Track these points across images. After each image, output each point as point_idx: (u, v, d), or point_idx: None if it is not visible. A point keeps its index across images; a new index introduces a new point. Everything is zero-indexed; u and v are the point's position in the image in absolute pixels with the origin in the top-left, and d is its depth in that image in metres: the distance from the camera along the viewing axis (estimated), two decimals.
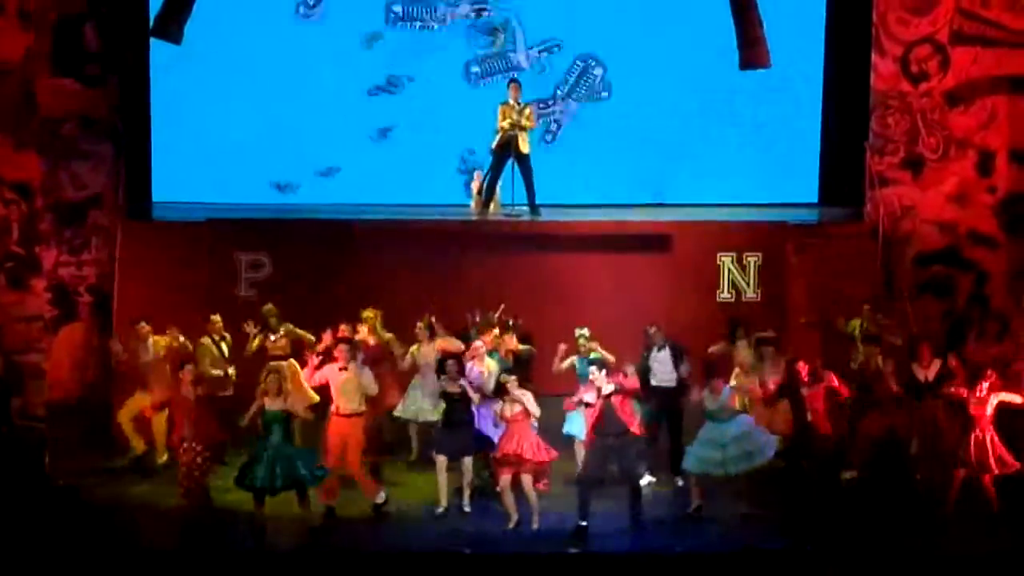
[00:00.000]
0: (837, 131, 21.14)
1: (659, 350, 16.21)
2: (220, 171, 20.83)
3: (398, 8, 21.21)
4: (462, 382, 15.20)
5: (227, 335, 16.83)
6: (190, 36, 17.92)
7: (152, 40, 19.08)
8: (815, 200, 21.45)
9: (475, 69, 21.39)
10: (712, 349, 16.68)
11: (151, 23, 18.51)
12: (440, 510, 15.17)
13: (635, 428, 14.90)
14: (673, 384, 16.10)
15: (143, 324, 16.53)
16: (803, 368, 15.41)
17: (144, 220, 19.60)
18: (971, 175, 20.23)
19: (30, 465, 14.98)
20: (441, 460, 15.27)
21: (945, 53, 20.24)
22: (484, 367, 15.74)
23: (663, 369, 16.14)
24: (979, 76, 20.17)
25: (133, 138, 19.99)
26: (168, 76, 20.45)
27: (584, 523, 14.55)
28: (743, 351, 16.66)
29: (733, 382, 15.63)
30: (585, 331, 16.18)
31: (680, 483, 15.83)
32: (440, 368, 15.47)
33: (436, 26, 21.31)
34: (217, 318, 16.90)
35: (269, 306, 17.15)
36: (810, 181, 21.46)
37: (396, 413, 16.61)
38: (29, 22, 15.55)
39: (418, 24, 21.27)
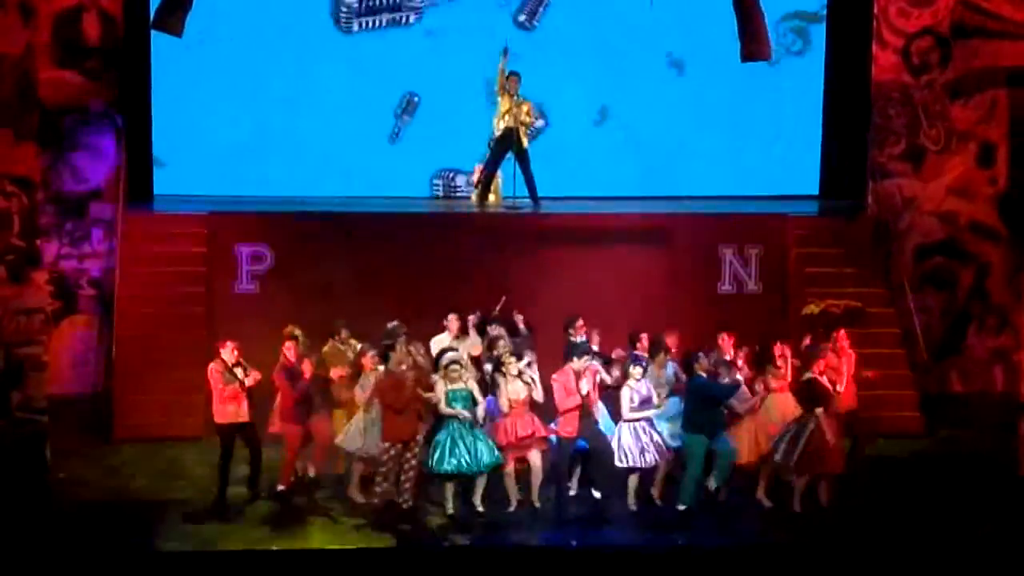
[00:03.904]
0: (838, 123, 21.15)
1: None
2: (221, 163, 20.82)
3: None
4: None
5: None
6: (191, 28, 17.89)
7: (153, 32, 19.06)
8: (816, 192, 21.46)
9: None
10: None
11: (152, 15, 18.49)
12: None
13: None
14: None
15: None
16: None
17: (145, 213, 19.58)
18: (972, 167, 20.26)
19: (30, 458, 14.97)
20: None
21: (946, 45, 20.26)
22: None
23: None
24: (980, 68, 20.19)
25: (134, 131, 19.98)
26: (169, 68, 20.42)
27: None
28: None
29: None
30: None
31: None
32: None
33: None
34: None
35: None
36: (811, 173, 21.46)
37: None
38: (30, 15, 15.50)
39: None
